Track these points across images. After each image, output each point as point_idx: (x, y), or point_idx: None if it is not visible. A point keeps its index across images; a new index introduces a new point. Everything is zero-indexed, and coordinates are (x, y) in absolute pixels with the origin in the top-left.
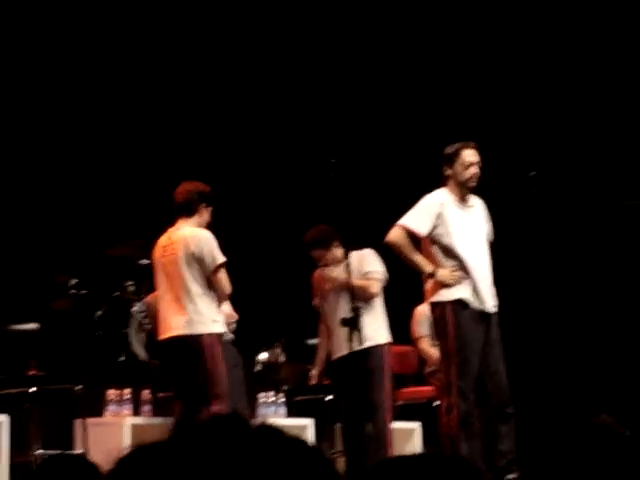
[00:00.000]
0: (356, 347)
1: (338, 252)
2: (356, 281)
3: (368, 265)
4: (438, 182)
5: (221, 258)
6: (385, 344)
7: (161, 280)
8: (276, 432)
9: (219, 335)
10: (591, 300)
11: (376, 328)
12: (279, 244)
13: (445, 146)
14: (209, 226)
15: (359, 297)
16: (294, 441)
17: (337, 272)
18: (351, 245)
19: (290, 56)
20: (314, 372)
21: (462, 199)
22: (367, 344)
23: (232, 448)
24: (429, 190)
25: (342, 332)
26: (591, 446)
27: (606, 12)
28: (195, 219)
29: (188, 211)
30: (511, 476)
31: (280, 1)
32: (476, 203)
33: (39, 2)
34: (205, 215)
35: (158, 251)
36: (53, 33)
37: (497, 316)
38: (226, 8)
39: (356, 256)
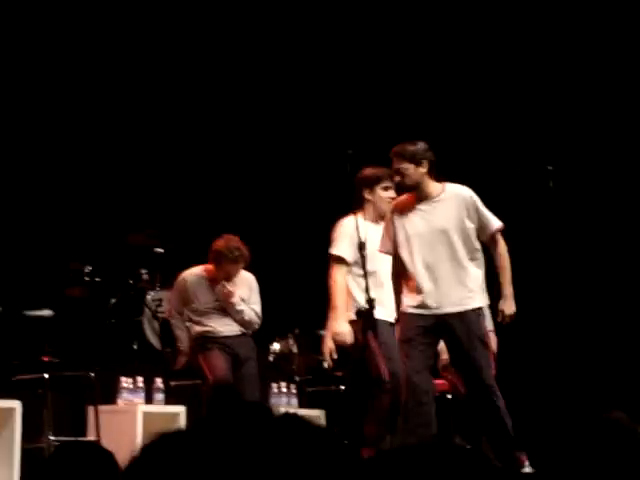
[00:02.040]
0: None
1: None
2: None
3: None
4: (454, 174)
5: (333, 249)
6: None
7: None
8: (299, 421)
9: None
10: (608, 294)
11: None
12: (292, 234)
13: (461, 137)
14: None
15: None
16: (317, 429)
17: None
18: None
19: (306, 46)
20: None
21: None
22: None
23: (255, 437)
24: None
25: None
26: (603, 442)
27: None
28: (366, 207)
29: (358, 203)
30: None
31: None
32: (445, 196)
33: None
34: (372, 197)
35: None
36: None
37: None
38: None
39: None
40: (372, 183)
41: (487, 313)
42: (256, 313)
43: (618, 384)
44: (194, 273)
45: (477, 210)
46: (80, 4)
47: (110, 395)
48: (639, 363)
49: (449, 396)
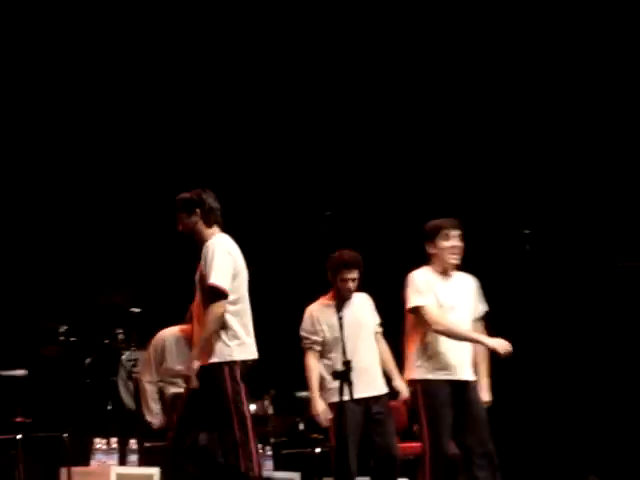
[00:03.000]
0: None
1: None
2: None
3: (376, 314)
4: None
5: (410, 303)
6: None
7: None
8: None
9: None
10: (582, 359)
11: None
12: (267, 297)
13: (439, 200)
14: None
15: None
16: None
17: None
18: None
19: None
20: None
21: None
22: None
23: None
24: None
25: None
26: None
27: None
28: (433, 261)
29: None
30: None
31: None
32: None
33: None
34: (434, 249)
35: None
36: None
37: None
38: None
39: (364, 298)
40: (432, 235)
41: None
42: None
43: (596, 449)
44: (172, 332)
45: (205, 261)
46: None
47: (83, 456)
48: (613, 425)
49: None
